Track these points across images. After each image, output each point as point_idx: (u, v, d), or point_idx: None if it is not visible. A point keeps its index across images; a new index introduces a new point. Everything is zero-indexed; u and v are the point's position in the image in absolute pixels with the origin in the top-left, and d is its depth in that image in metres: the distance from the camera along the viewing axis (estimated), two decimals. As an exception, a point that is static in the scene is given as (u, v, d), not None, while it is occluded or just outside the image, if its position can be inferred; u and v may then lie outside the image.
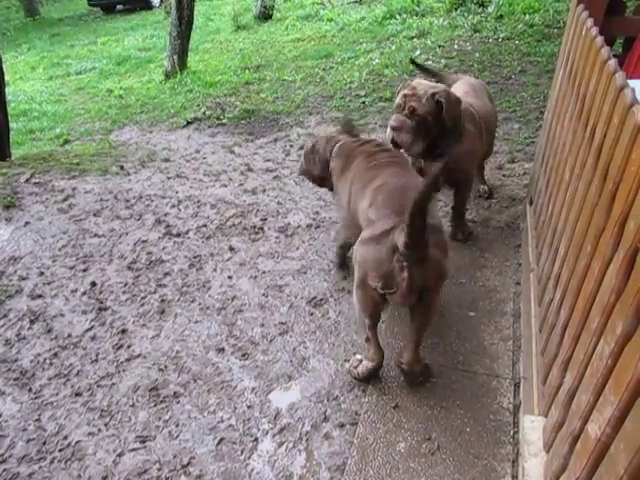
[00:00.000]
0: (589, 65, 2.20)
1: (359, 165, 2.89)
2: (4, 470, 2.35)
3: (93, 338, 3.03)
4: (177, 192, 4.52)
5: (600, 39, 2.15)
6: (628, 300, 1.33)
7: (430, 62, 7.12)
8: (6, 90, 5.64)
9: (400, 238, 2.16)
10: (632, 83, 1.93)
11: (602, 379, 1.43)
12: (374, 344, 2.56)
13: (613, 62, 1.89)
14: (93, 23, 18.51)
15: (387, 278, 2.28)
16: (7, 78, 6.44)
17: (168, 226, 4.01)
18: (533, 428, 2.08)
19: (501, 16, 8.47)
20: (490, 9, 8.81)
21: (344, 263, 3.37)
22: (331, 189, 3.27)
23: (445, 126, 2.96)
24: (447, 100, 2.91)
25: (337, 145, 3.12)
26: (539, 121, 4.83)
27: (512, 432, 2.37)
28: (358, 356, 2.70)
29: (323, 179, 3.27)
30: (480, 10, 8.95)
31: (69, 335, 3.06)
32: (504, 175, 4.36)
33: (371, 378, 2.64)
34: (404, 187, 2.51)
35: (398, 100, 3.00)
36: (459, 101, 3.04)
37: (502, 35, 7.70)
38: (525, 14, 8.32)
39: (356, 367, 2.65)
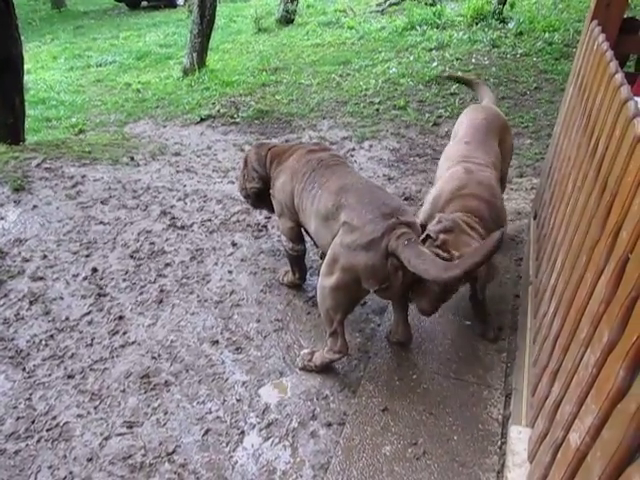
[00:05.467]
0: (597, 79, 2.21)
1: (300, 163, 2.91)
2: (-9, 445, 2.37)
3: (90, 323, 3.05)
4: (185, 186, 4.55)
5: (610, 53, 2.15)
6: (615, 309, 1.33)
7: (446, 74, 7.13)
8: (27, 78, 5.71)
9: (400, 243, 2.26)
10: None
11: (586, 388, 1.43)
12: (342, 337, 2.63)
13: (620, 76, 1.89)
14: (117, 18, 18.67)
15: (383, 280, 2.40)
16: (29, 67, 6.54)
17: (173, 218, 4.03)
18: (519, 439, 2.07)
19: (521, 33, 8.46)
20: (510, 25, 8.81)
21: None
22: (270, 207, 3.27)
23: None
24: None
25: (270, 150, 3.18)
26: (551, 138, 4.82)
27: (500, 443, 2.36)
28: (306, 350, 2.78)
29: (262, 195, 3.26)
30: (500, 26, 8.95)
31: (66, 318, 3.08)
32: (512, 189, 4.36)
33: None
34: (371, 188, 2.62)
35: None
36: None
37: (520, 51, 7.69)
38: (545, 32, 8.31)
39: (310, 360, 2.72)
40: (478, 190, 2.72)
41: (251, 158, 3.24)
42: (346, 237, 2.43)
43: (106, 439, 2.41)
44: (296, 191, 2.86)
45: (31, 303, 3.18)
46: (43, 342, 2.92)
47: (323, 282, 2.56)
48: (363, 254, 2.36)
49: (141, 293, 3.28)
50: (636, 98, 1.73)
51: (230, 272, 3.47)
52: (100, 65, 11.27)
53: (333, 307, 2.56)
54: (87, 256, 3.59)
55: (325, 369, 2.72)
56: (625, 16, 2.88)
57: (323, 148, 3.06)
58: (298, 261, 3.22)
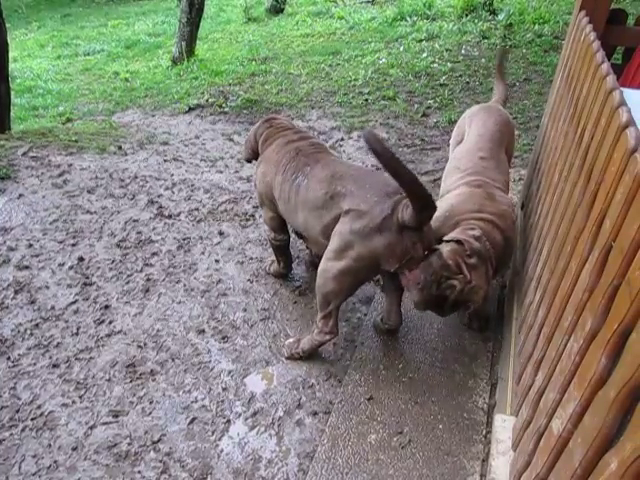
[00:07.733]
0: (584, 69, 2.21)
1: (279, 154, 2.87)
2: (-26, 435, 2.35)
3: (76, 312, 3.03)
4: (172, 175, 4.52)
5: (597, 43, 2.15)
6: (598, 297, 1.34)
7: (436, 65, 7.12)
8: (13, 66, 5.64)
9: (406, 211, 2.27)
10: (630, 93, 1.94)
11: (569, 376, 1.44)
12: (334, 319, 2.62)
13: (606, 66, 1.90)
14: (105, 6, 18.41)
15: (403, 256, 2.38)
16: (15, 55, 6.43)
17: (160, 207, 4.01)
18: (504, 427, 2.09)
19: (511, 24, 8.44)
20: (500, 17, 8.78)
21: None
22: None
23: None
24: None
25: (268, 130, 3.08)
26: (539, 129, 4.83)
27: (484, 431, 2.37)
28: (292, 339, 2.79)
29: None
30: (490, 17, 8.93)
31: (52, 307, 3.06)
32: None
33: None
34: (365, 172, 2.63)
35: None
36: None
37: (510, 43, 7.68)
38: (535, 24, 8.29)
39: (297, 347, 2.72)
40: (500, 222, 2.57)
41: (255, 130, 3.16)
42: (355, 223, 2.38)
43: (91, 428, 2.40)
44: (275, 183, 2.81)
45: (16, 292, 3.16)
46: (28, 331, 2.90)
47: (328, 266, 2.50)
48: (378, 237, 2.33)
49: (127, 282, 3.26)
50: (623, 89, 1.73)
51: (217, 261, 3.46)
52: (88, 54, 11.12)
53: (335, 291, 2.52)
54: (73, 245, 3.56)
55: (312, 355, 2.72)
56: (612, 7, 2.88)
57: (302, 137, 2.98)
58: (282, 250, 3.19)
